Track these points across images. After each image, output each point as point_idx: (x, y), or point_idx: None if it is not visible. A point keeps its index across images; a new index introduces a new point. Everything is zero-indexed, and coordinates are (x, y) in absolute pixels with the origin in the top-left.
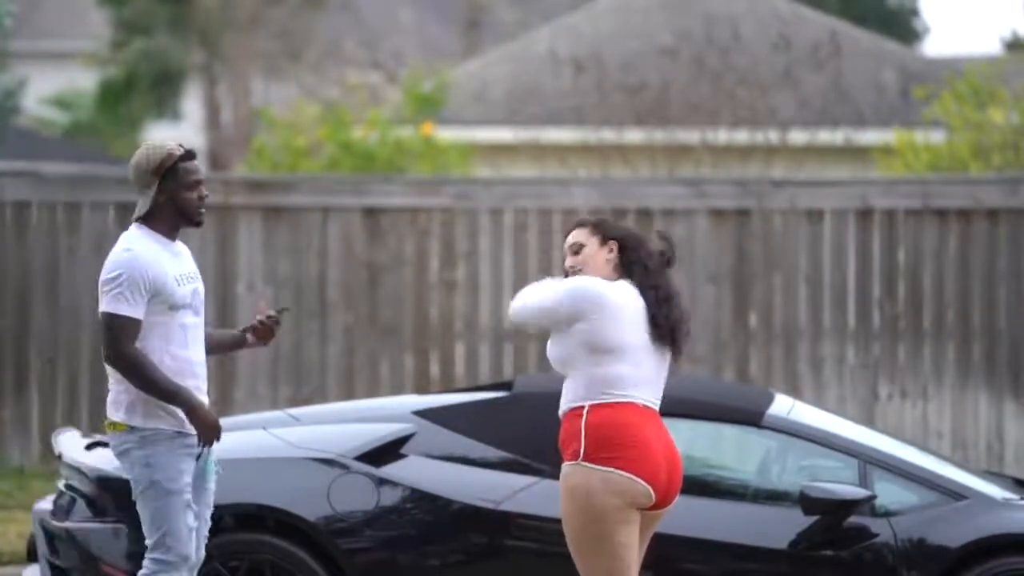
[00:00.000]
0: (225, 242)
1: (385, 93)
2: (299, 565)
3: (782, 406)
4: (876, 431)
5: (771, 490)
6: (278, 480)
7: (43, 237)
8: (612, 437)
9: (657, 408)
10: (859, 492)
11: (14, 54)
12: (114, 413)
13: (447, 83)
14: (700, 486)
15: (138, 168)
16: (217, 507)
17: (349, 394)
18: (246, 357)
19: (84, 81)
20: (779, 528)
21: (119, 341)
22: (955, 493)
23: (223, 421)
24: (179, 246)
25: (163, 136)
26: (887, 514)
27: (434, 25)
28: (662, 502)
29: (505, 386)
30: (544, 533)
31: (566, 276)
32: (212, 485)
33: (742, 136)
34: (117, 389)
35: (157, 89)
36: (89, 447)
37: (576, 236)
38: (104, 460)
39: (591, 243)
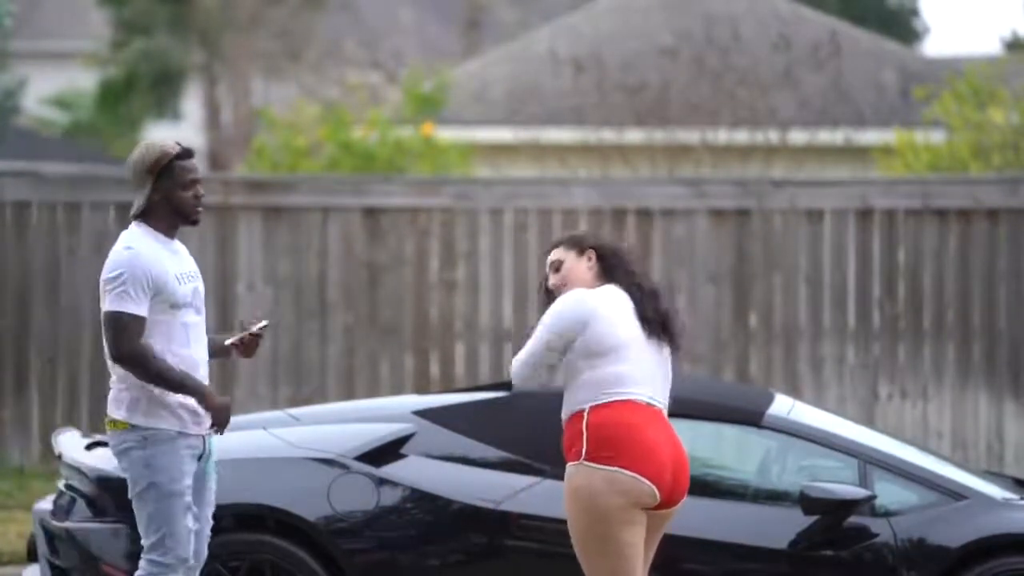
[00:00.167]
0: (225, 242)
1: (385, 93)
2: (299, 565)
3: (782, 406)
4: (876, 431)
5: (771, 490)
6: (278, 480)
7: (43, 237)
8: (613, 436)
9: (663, 407)
10: (859, 492)
11: (14, 54)
12: (115, 411)
13: (447, 83)
14: (700, 486)
15: (134, 166)
16: (217, 507)
17: (349, 394)
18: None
19: (84, 81)
20: (779, 528)
21: (126, 339)
22: (955, 493)
23: None
24: (177, 244)
25: (163, 136)
26: (887, 514)
27: (434, 25)
28: (668, 502)
29: (505, 386)
30: (544, 533)
31: (546, 292)
32: (213, 485)
33: (742, 136)
34: (118, 387)
35: (157, 89)
36: (89, 447)
37: (554, 255)
38: (104, 460)
39: (569, 257)
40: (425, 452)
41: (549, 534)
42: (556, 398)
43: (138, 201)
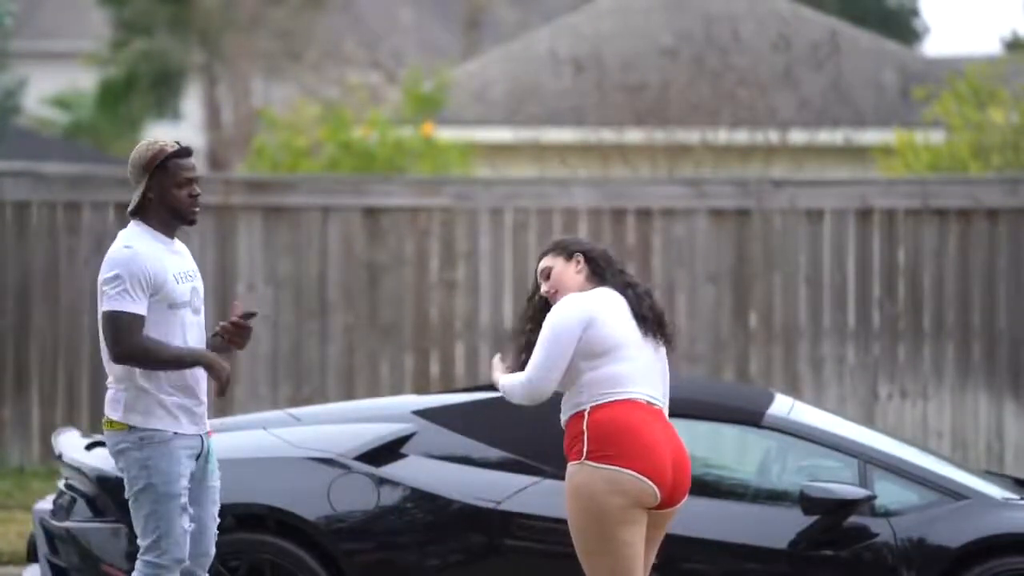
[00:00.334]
0: (225, 242)
1: (385, 93)
2: (299, 565)
3: (782, 406)
4: (876, 431)
5: (771, 490)
6: (278, 480)
7: (43, 237)
8: (614, 434)
9: (663, 406)
10: (859, 492)
11: (14, 54)
12: (112, 412)
13: (447, 83)
14: (700, 486)
15: (132, 162)
16: None
17: (349, 394)
18: (246, 357)
19: (84, 81)
20: (779, 528)
21: (125, 338)
22: (955, 493)
23: (223, 421)
24: (178, 244)
25: (163, 136)
26: (887, 514)
27: (434, 25)
28: (669, 501)
29: None
30: (544, 533)
31: (542, 301)
32: (216, 483)
33: (742, 136)
34: (115, 388)
35: (157, 89)
36: (89, 447)
37: (543, 263)
38: (104, 460)
39: (557, 263)
40: (425, 452)
41: (549, 534)
42: (555, 398)
43: (133, 197)
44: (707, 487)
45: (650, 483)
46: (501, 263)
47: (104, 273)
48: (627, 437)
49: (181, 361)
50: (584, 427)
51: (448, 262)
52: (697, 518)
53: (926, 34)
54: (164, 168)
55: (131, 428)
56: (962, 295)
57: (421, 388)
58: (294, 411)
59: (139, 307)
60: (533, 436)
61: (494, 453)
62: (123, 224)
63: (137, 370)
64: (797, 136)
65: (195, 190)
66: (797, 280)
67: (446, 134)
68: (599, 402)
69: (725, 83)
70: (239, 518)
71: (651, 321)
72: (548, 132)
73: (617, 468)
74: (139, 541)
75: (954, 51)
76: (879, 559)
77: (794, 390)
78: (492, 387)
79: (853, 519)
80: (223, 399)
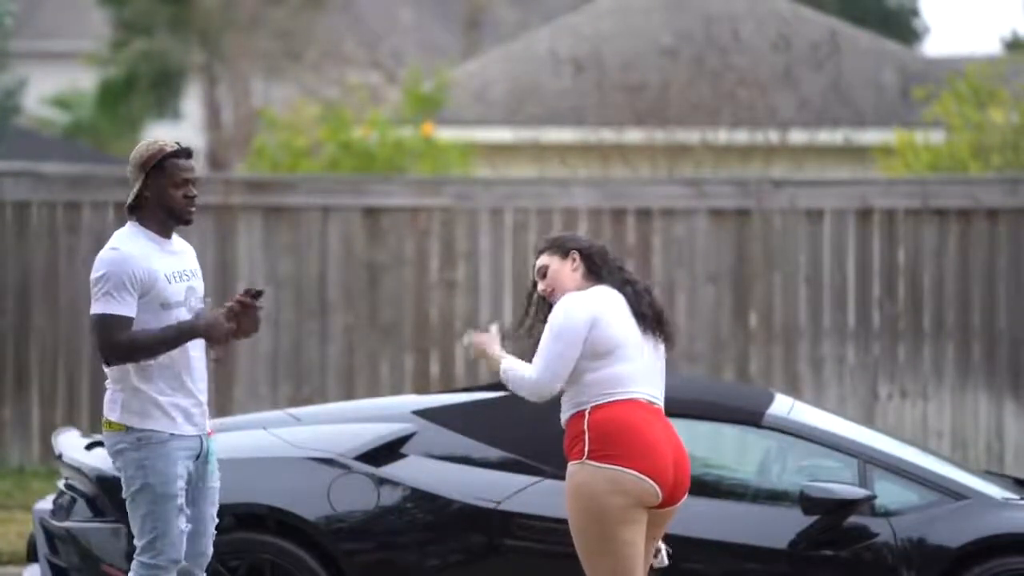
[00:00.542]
0: (225, 242)
1: (385, 93)
2: (299, 565)
3: (782, 406)
4: (876, 431)
5: (771, 490)
6: (278, 480)
7: (43, 237)
8: (615, 434)
9: (661, 405)
10: (859, 492)
11: (14, 54)
12: (110, 413)
13: (447, 83)
14: (700, 486)
15: (131, 161)
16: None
17: (349, 394)
18: (246, 357)
19: (84, 81)
20: (779, 528)
21: (109, 338)
22: (955, 493)
23: (223, 421)
24: (178, 244)
25: (163, 136)
26: (887, 514)
27: (434, 25)
28: (670, 500)
29: (505, 386)
30: (544, 533)
31: (541, 300)
32: (216, 484)
33: (742, 136)
34: (113, 388)
35: (157, 89)
36: (89, 447)
37: (539, 261)
38: (104, 460)
39: (553, 261)
40: (425, 452)
41: (549, 534)
42: (555, 397)
43: (130, 194)
44: (707, 487)
45: (652, 483)
46: (501, 263)
47: (92, 275)
48: (629, 437)
49: (168, 340)
50: (585, 427)
51: (448, 262)
52: (697, 518)
53: (926, 34)
54: (161, 167)
55: (128, 429)
56: (962, 295)
57: (421, 388)
58: (294, 411)
59: (124, 308)
60: (533, 436)
61: (494, 453)
62: (122, 223)
63: (132, 371)
64: (797, 136)
65: (191, 191)
66: (797, 280)
67: (446, 134)
68: (600, 402)
69: (725, 83)
70: (239, 518)
71: (650, 319)
72: (548, 132)
73: (619, 468)
74: (135, 541)
75: (954, 51)
76: (879, 559)
77: (794, 390)
78: (492, 387)
79: (853, 519)
80: (222, 401)
